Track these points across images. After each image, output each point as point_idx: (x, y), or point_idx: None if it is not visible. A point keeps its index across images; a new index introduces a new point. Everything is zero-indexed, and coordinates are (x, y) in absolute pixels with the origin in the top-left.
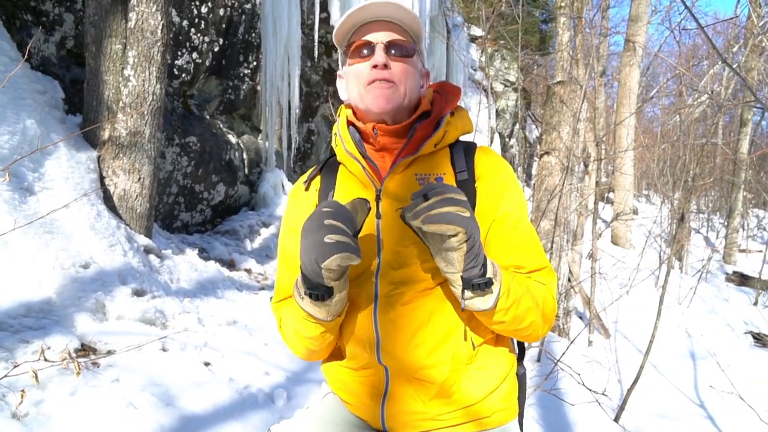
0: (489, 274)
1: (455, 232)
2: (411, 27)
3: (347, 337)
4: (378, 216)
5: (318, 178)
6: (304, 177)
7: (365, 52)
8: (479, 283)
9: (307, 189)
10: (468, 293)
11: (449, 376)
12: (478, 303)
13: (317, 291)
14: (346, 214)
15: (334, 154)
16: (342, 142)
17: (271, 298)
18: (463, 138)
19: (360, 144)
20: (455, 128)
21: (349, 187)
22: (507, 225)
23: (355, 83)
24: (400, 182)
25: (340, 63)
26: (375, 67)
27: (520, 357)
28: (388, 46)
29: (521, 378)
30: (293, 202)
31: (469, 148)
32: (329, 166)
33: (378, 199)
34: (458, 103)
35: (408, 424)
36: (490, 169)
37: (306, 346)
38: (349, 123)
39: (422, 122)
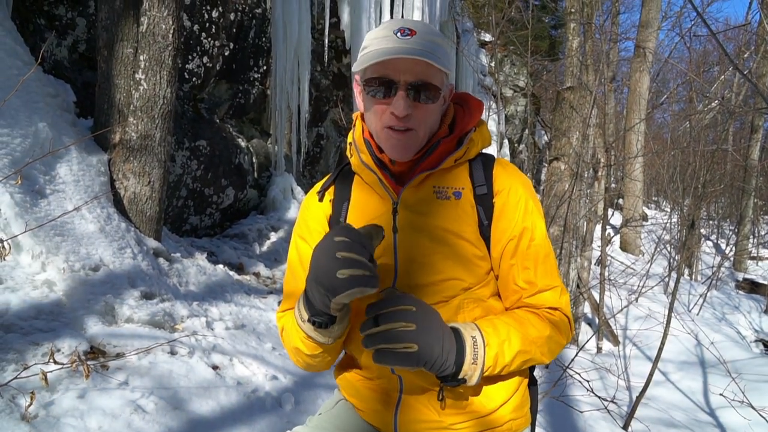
0: (464, 370)
1: (410, 364)
2: (440, 53)
3: (361, 348)
4: (395, 230)
5: (332, 189)
6: (318, 187)
7: (385, 91)
8: (455, 383)
9: (321, 200)
10: (448, 386)
11: (462, 388)
12: (460, 387)
13: (320, 318)
14: (360, 240)
15: (348, 163)
16: (357, 151)
17: (279, 302)
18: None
19: (375, 154)
20: (476, 144)
21: (365, 199)
22: (523, 242)
23: (372, 117)
24: (418, 195)
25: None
26: (393, 113)
27: (531, 371)
28: (414, 90)
29: (533, 390)
30: (306, 212)
31: (488, 162)
32: (343, 176)
33: (395, 212)
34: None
35: None
36: (509, 185)
37: (305, 361)
38: (365, 135)
39: (446, 138)
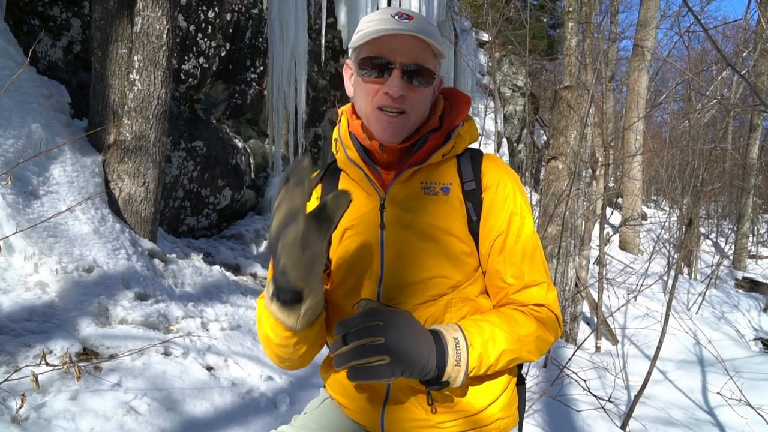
0: (447, 372)
1: (386, 377)
2: (435, 39)
3: None
4: (382, 226)
5: (319, 187)
6: None
7: (379, 72)
8: (439, 386)
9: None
10: (433, 389)
11: (449, 390)
12: (446, 389)
13: (284, 294)
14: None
15: (334, 160)
16: (343, 147)
17: None
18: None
19: (362, 149)
20: (464, 140)
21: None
22: (510, 237)
23: (363, 99)
24: (405, 191)
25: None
26: (387, 93)
27: (519, 369)
28: (409, 72)
29: (520, 389)
30: None
31: (476, 157)
32: (330, 173)
33: (382, 207)
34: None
35: (408, 430)
36: (498, 180)
37: (276, 353)
38: (351, 129)
39: (433, 133)
